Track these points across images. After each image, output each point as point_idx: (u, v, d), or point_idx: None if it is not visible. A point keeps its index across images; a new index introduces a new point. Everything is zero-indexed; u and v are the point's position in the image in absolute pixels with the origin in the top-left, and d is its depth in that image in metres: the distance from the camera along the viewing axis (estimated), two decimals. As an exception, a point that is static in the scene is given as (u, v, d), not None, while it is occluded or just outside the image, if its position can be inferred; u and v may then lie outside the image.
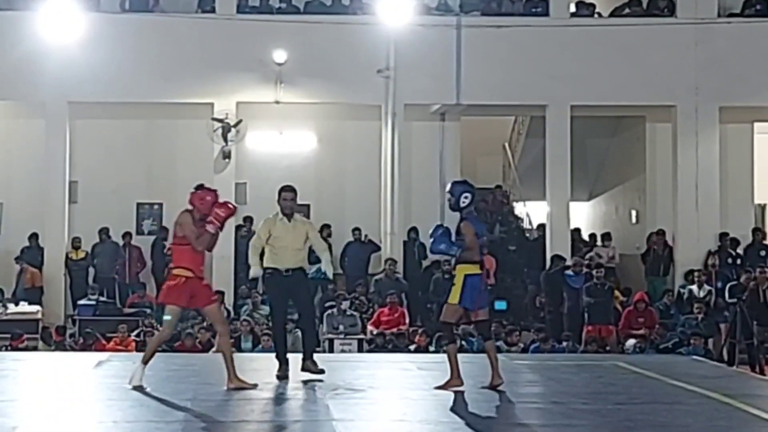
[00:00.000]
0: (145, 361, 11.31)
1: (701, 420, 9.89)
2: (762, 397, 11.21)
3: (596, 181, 27.56)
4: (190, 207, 11.29)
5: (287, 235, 12.18)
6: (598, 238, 24.71)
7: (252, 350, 18.24)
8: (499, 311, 20.03)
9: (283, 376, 12.03)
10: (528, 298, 22.89)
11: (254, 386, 11.23)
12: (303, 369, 12.19)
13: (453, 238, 11.36)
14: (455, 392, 11.10)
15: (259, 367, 12.84)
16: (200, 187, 11.44)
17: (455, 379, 11.35)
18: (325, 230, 22.48)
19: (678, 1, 23.45)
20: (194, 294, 11.15)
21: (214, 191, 11.34)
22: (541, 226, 24.25)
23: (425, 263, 23.55)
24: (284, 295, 12.25)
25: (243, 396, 10.95)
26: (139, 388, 11.01)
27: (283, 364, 12.17)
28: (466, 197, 11.44)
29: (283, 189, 12.54)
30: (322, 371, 12.09)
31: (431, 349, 18.97)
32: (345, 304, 20.82)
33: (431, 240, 11.52)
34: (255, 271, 12.39)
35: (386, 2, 22.24)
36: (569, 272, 21.45)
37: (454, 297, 11.29)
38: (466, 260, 11.31)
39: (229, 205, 11.30)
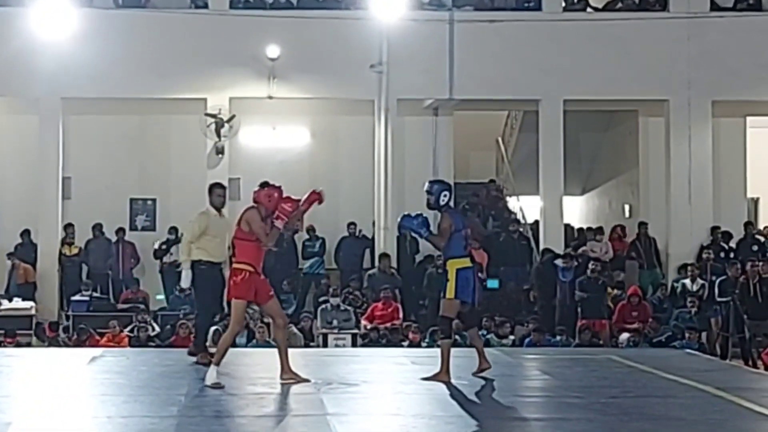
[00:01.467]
0: (218, 363, 11.24)
1: (694, 413, 9.91)
2: (754, 389, 11.24)
3: (589, 176, 27.59)
4: (254, 204, 11.39)
5: (220, 230, 12.75)
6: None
7: (246, 345, 18.23)
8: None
9: (206, 362, 12.16)
10: (520, 291, 22.89)
11: (306, 380, 11.31)
12: (190, 354, 12.83)
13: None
14: (448, 386, 11.12)
15: (252, 362, 12.88)
16: (265, 184, 11.55)
17: (443, 374, 11.44)
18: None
19: (670, -5, 23.50)
20: (257, 287, 11.29)
21: (279, 187, 11.47)
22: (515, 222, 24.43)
23: (418, 258, 23.57)
24: (216, 287, 12.70)
25: (236, 391, 10.96)
26: (217, 385, 10.95)
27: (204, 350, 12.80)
28: (445, 195, 11.64)
29: (217, 186, 13.16)
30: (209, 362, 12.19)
31: (424, 344, 19.00)
32: (335, 300, 20.84)
33: (404, 217, 11.71)
34: (188, 275, 12.74)
35: (379, -3, 22.27)
36: (561, 266, 21.48)
37: (450, 292, 11.44)
38: (453, 255, 11.48)
39: (295, 199, 11.44)
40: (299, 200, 11.43)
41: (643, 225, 23.73)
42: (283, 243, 22.53)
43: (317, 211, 24.47)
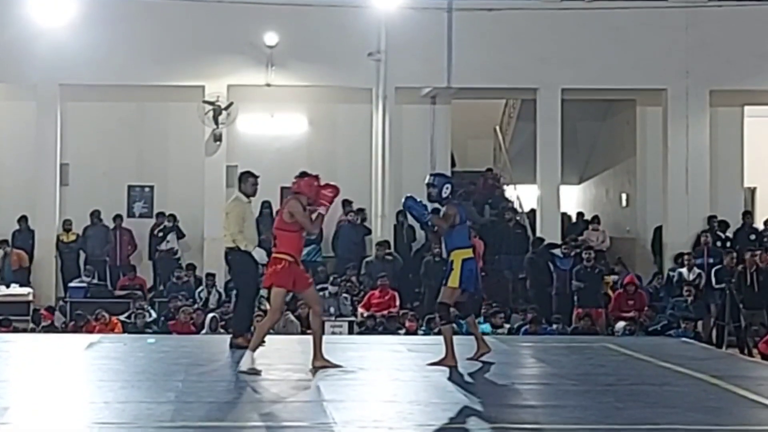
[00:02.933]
0: (254, 349, 11.31)
1: (690, 401, 9.94)
2: (750, 378, 11.26)
3: (587, 165, 27.61)
4: (295, 194, 11.51)
5: (252, 217, 13.13)
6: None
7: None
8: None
9: (245, 345, 12.16)
10: (516, 280, 22.92)
11: (339, 366, 11.42)
12: (233, 346, 12.76)
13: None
14: (446, 373, 11.16)
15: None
16: (304, 174, 11.65)
17: (450, 358, 11.59)
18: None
19: (669, -16, 23.50)
20: (296, 276, 11.41)
21: (317, 176, 11.63)
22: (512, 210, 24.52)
23: (415, 246, 23.60)
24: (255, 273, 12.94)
25: (234, 378, 10.99)
26: (253, 370, 11.03)
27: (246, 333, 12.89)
28: (447, 188, 11.76)
29: (251, 174, 13.31)
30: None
31: (420, 332, 19.03)
32: (332, 288, 20.89)
33: (409, 198, 11.80)
34: (260, 252, 12.86)
35: (377, -15, 22.27)
36: (558, 254, 21.51)
37: (454, 281, 11.61)
38: (459, 246, 11.63)
39: (334, 185, 11.65)
40: (337, 188, 11.67)
41: None
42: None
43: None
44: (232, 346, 12.77)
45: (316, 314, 11.70)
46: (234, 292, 15.05)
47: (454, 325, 18.16)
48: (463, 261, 11.58)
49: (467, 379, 10.96)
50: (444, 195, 11.69)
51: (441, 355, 11.70)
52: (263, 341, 11.53)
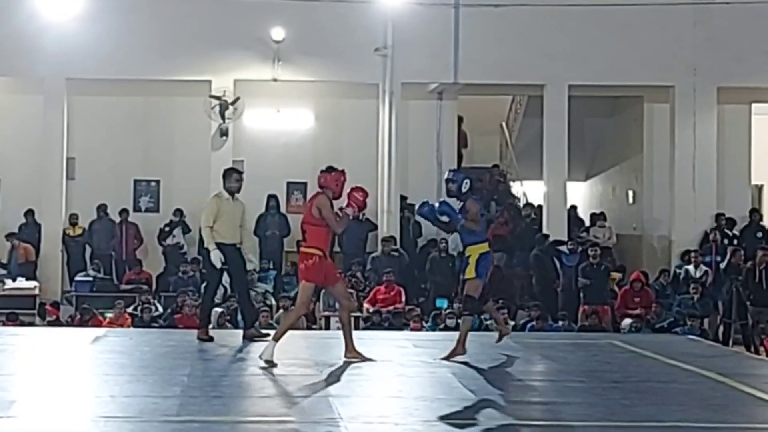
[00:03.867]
0: (277, 339, 11.45)
1: (696, 398, 9.92)
2: (756, 376, 11.25)
3: (593, 161, 27.57)
4: (321, 189, 11.60)
5: (233, 212, 13.10)
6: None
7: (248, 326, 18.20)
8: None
9: (207, 338, 13.00)
10: (522, 276, 22.89)
11: (370, 359, 11.55)
12: (246, 337, 13.01)
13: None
14: (452, 368, 11.15)
15: (255, 344, 12.88)
16: (330, 169, 11.73)
17: (459, 347, 11.74)
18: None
19: (677, -20, 23.44)
20: (326, 272, 11.54)
21: (343, 171, 11.72)
22: (529, 206, 24.46)
23: (421, 242, 23.59)
24: (226, 267, 13.11)
25: (240, 372, 11.00)
26: (270, 362, 11.15)
27: (206, 326, 13.38)
28: (466, 183, 11.83)
29: (234, 171, 13.54)
30: (266, 335, 12.69)
31: (426, 328, 19.02)
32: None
33: (437, 205, 11.91)
34: (217, 255, 13.03)
35: (384, -20, 22.24)
36: (564, 250, 21.49)
37: (471, 272, 11.73)
38: (476, 241, 11.76)
39: (362, 188, 11.76)
40: (366, 192, 11.80)
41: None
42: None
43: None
44: (198, 338, 13.14)
45: (345, 308, 11.87)
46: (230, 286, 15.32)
47: (460, 321, 18.41)
48: (480, 255, 11.73)
49: (473, 375, 10.94)
50: (464, 190, 11.79)
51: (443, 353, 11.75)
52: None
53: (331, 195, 11.57)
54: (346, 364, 11.33)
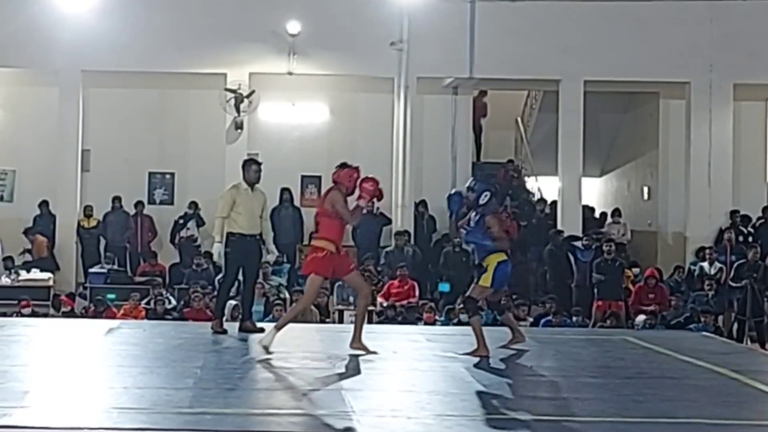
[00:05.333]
0: (279, 328, 11.59)
1: (710, 395, 9.90)
2: (770, 373, 11.21)
3: (608, 157, 27.53)
4: (335, 184, 11.68)
5: (251, 203, 13.06)
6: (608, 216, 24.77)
7: (262, 320, 18.23)
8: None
9: (221, 330, 13.02)
10: (537, 272, 22.88)
11: (373, 353, 11.55)
12: (242, 329, 13.06)
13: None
14: (464, 363, 11.15)
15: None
16: (344, 165, 11.79)
17: (482, 348, 11.62)
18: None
19: (694, -23, 23.37)
20: (336, 265, 11.61)
21: (357, 167, 11.76)
22: (542, 201, 24.43)
23: (435, 237, 23.58)
24: (242, 259, 13.07)
25: (253, 365, 10.99)
26: (266, 349, 11.35)
27: (221, 318, 13.34)
28: (485, 196, 11.71)
29: (253, 162, 13.49)
30: (261, 330, 12.77)
31: (439, 322, 19.02)
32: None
33: (468, 234, 11.86)
34: (218, 247, 13.10)
35: (400, -26, 22.22)
36: (579, 246, 21.46)
37: (486, 281, 11.65)
38: (496, 250, 11.66)
39: (374, 178, 11.75)
40: (377, 181, 11.75)
41: None
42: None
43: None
44: (212, 330, 13.16)
45: (363, 296, 11.88)
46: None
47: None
48: (498, 263, 11.64)
49: (486, 369, 10.93)
50: (481, 203, 11.67)
51: (474, 347, 11.68)
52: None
53: (344, 190, 11.63)
54: (359, 358, 11.32)
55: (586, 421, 8.71)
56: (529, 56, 23.06)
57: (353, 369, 10.77)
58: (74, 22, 22.26)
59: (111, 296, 20.22)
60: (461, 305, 12.08)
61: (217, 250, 13.05)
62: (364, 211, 11.99)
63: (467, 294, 11.87)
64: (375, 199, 11.86)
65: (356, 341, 11.64)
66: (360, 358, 11.36)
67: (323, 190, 24.52)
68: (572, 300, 20.89)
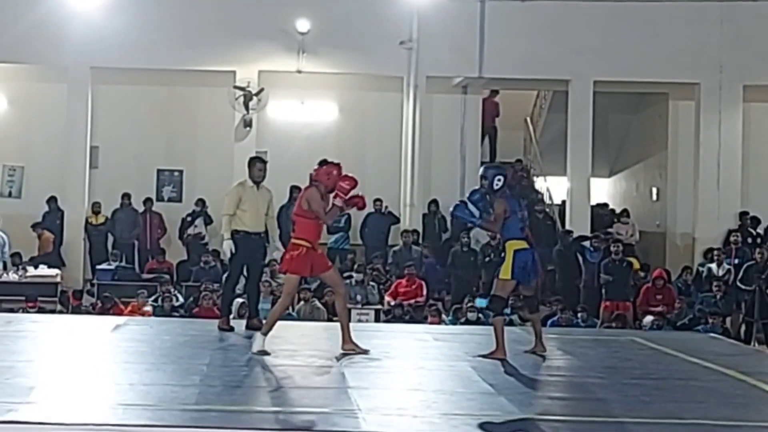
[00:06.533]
0: (265, 333, 11.49)
1: (717, 396, 9.87)
2: (778, 375, 11.17)
3: (617, 158, 27.49)
4: (314, 182, 11.56)
5: (256, 201, 13.02)
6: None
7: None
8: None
9: (228, 328, 13.05)
10: (545, 272, 22.82)
11: (366, 351, 11.47)
12: (248, 327, 13.01)
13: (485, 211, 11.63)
14: (471, 362, 11.13)
15: (273, 334, 12.89)
16: (324, 162, 11.68)
17: (500, 350, 11.47)
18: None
19: (704, -22, 23.33)
20: (313, 263, 11.49)
21: (338, 165, 11.62)
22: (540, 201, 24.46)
23: (445, 236, 23.55)
24: (246, 256, 13.06)
25: (259, 363, 10.98)
26: (263, 353, 11.26)
27: (227, 316, 13.44)
28: (499, 180, 11.56)
29: (258, 160, 13.43)
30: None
31: (447, 321, 18.99)
32: (358, 276, 20.88)
33: (457, 207, 11.75)
34: (228, 245, 13.05)
35: (410, -27, 22.20)
36: (589, 247, 21.42)
37: (506, 272, 11.47)
38: (511, 237, 11.51)
39: (352, 177, 11.59)
40: (355, 180, 11.58)
41: None
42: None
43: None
44: (219, 328, 13.17)
45: (340, 295, 11.79)
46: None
47: (480, 315, 18.37)
48: (515, 252, 11.44)
49: (492, 369, 10.90)
50: (495, 187, 11.52)
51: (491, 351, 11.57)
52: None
53: (323, 189, 11.49)
54: (366, 357, 11.30)
55: (593, 421, 8.69)
56: (539, 56, 23.04)
57: (360, 367, 10.75)
58: (84, 19, 22.28)
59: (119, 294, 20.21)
60: (488, 305, 11.86)
61: (228, 247, 13.01)
62: (341, 212, 11.71)
63: (492, 292, 11.71)
64: (353, 203, 11.58)
65: (347, 342, 11.52)
66: (367, 356, 11.34)
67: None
68: (580, 300, 20.85)
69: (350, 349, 11.47)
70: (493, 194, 11.56)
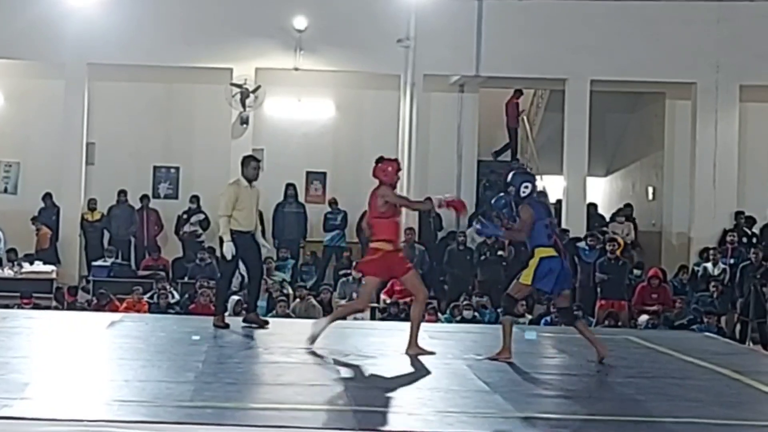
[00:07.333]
0: (332, 320, 11.64)
1: (711, 395, 9.87)
2: (773, 374, 11.19)
3: (614, 157, 27.50)
4: (379, 180, 11.48)
5: (250, 200, 13.01)
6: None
7: (265, 315, 18.22)
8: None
9: (223, 325, 12.98)
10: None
11: (432, 353, 11.35)
12: (246, 321, 13.11)
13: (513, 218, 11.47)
14: (466, 360, 11.13)
15: (270, 331, 12.91)
16: (380, 159, 11.59)
17: (505, 351, 11.33)
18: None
19: (701, -23, 23.34)
20: (392, 266, 11.41)
21: (395, 160, 11.63)
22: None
23: (440, 234, 23.55)
24: (240, 254, 13.03)
25: (255, 360, 11.00)
26: (313, 338, 11.46)
27: (222, 313, 13.35)
28: (526, 187, 11.32)
29: (252, 158, 13.46)
30: (266, 323, 13.03)
31: (443, 319, 19.00)
32: (355, 273, 20.86)
33: (478, 223, 11.71)
34: (229, 246, 12.92)
35: (408, -29, 22.20)
36: (584, 246, 21.43)
37: (527, 278, 11.21)
38: (539, 244, 11.20)
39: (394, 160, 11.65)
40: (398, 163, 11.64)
41: None
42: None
43: (340, 184, 24.76)
44: (214, 324, 13.13)
45: (417, 302, 11.60)
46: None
47: (476, 313, 18.38)
48: (541, 259, 11.14)
49: (487, 367, 10.91)
50: (523, 194, 11.25)
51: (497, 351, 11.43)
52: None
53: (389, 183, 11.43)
54: (360, 354, 11.31)
55: (587, 419, 8.69)
56: (536, 55, 23.05)
57: (355, 365, 10.75)
58: (81, 15, 22.27)
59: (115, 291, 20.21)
60: (500, 303, 11.68)
61: (229, 249, 12.87)
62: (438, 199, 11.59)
63: (507, 291, 11.55)
64: (452, 205, 11.67)
65: (412, 347, 11.38)
66: (362, 354, 11.34)
67: (328, 187, 24.58)
68: (575, 299, 20.83)
69: (415, 352, 11.28)
70: (520, 201, 11.35)
